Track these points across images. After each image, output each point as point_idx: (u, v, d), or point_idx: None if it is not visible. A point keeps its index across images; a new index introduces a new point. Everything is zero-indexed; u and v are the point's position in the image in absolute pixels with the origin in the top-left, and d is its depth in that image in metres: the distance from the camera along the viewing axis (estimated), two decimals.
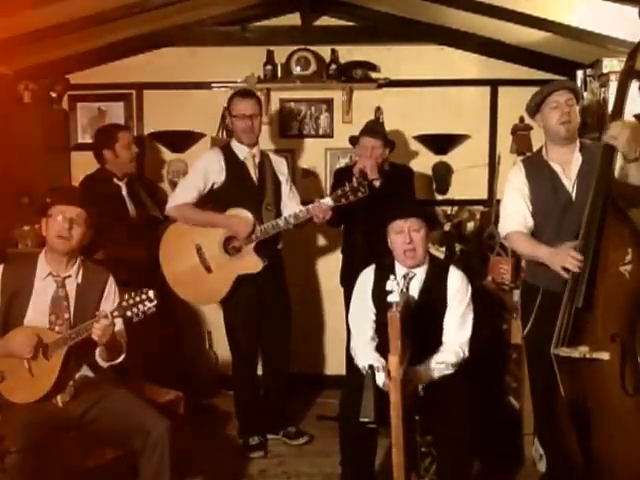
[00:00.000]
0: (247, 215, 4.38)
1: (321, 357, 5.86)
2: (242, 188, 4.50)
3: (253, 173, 4.55)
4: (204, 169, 4.50)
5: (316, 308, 5.74)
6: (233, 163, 4.52)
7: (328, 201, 4.29)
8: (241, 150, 4.55)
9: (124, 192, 4.81)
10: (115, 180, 4.79)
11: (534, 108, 3.75)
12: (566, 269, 3.35)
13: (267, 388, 4.81)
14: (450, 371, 3.57)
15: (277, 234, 4.50)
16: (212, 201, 4.54)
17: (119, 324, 3.47)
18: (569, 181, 3.67)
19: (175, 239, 4.53)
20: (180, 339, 5.55)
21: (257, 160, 4.58)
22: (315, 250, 5.76)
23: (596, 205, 3.31)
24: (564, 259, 3.36)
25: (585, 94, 4.82)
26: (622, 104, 3.51)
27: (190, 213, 4.45)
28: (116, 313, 3.28)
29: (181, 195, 4.49)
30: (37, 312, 3.47)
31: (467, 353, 3.68)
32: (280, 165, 4.74)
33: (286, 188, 4.69)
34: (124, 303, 3.28)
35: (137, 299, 3.27)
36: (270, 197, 4.55)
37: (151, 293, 3.26)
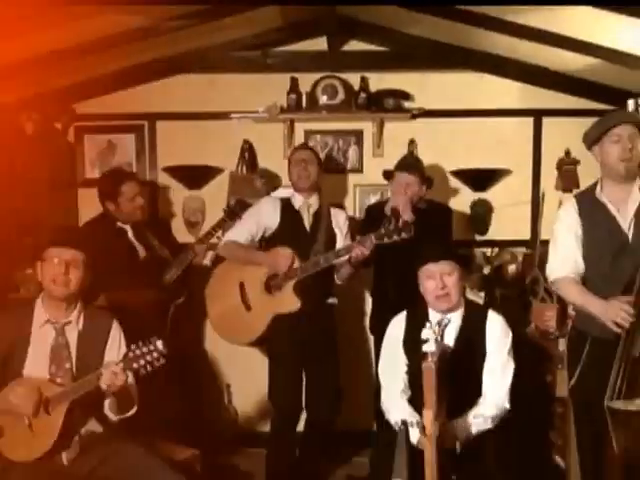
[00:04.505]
0: (287, 250, 4.55)
1: (350, 411, 5.76)
2: (293, 233, 4.74)
3: (306, 220, 4.76)
4: (258, 212, 4.84)
5: (344, 357, 5.65)
6: (288, 211, 4.80)
7: (371, 239, 4.31)
8: (297, 200, 4.82)
9: (130, 235, 4.86)
10: (119, 224, 4.85)
11: (594, 139, 3.71)
12: (618, 324, 3.36)
13: (303, 445, 4.87)
14: (489, 426, 3.54)
15: (329, 287, 4.78)
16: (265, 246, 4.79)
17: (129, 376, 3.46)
18: (625, 222, 3.65)
19: (220, 279, 4.91)
20: (201, 394, 5.55)
21: (313, 210, 4.79)
22: (345, 294, 5.67)
23: None
24: (616, 313, 3.37)
25: None
26: None
27: (235, 249, 4.76)
28: (122, 365, 3.26)
29: (231, 234, 4.80)
30: (36, 363, 3.47)
31: (508, 406, 3.65)
32: (339, 217, 4.90)
33: (340, 239, 4.81)
34: (130, 354, 3.27)
35: (144, 350, 3.26)
36: (320, 245, 4.69)
37: (159, 343, 3.26)
